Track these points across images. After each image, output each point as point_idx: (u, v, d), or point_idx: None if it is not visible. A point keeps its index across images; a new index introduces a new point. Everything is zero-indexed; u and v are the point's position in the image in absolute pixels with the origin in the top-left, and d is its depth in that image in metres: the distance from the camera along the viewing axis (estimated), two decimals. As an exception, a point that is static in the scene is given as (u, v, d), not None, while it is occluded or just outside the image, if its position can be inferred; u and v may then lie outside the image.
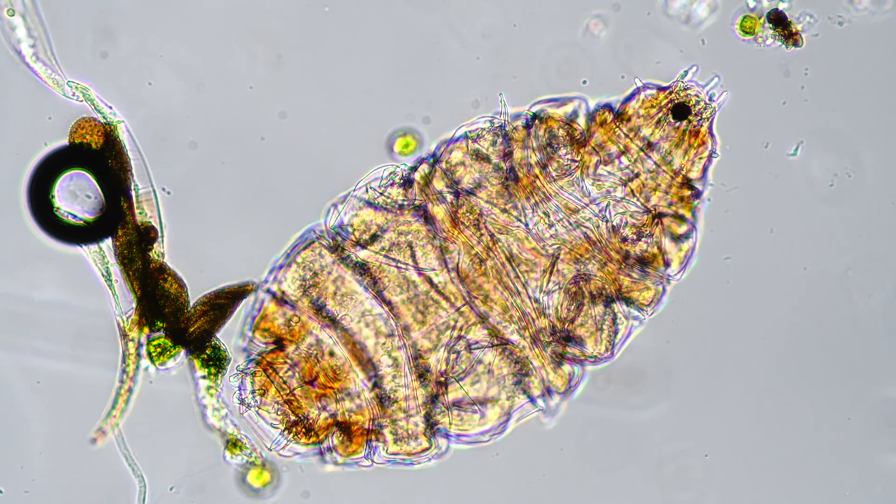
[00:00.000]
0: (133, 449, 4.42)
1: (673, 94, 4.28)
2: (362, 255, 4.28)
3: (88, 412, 4.44)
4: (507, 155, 4.29)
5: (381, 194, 4.32)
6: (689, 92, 4.29)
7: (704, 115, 4.29)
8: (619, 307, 4.29)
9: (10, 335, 4.47)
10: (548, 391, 4.31)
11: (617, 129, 4.27)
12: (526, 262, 4.26)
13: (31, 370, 4.49)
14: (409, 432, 4.30)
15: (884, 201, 4.53)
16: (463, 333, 4.27)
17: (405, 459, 4.33)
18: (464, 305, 4.26)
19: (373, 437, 4.30)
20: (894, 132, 4.52)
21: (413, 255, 4.28)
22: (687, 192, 4.29)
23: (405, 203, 4.31)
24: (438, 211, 4.28)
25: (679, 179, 4.27)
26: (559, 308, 4.26)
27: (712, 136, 4.32)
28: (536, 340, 4.27)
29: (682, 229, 4.29)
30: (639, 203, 4.25)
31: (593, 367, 4.35)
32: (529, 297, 4.26)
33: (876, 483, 4.55)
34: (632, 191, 4.25)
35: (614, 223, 4.26)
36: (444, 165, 4.30)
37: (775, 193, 4.50)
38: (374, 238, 4.29)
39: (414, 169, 4.34)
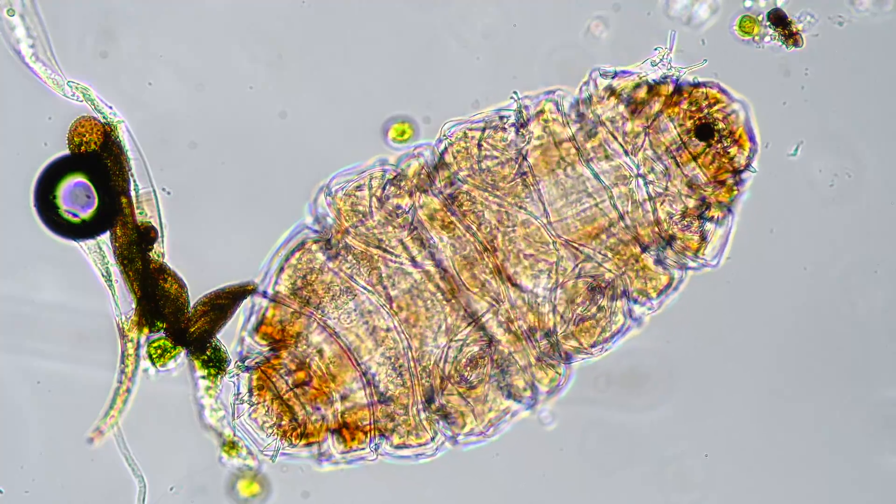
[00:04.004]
0: (133, 449, 4.42)
1: (703, 114, 4.26)
2: (354, 244, 4.28)
3: (88, 413, 4.44)
4: (522, 141, 4.27)
5: (374, 183, 4.32)
6: (719, 116, 4.26)
7: (727, 143, 4.25)
8: (622, 303, 4.27)
9: (10, 336, 4.47)
10: (533, 387, 4.30)
11: (675, 104, 4.24)
12: (525, 255, 4.25)
13: (32, 371, 4.49)
14: (410, 425, 4.30)
15: (884, 201, 4.53)
16: (458, 328, 4.26)
17: (410, 454, 4.33)
18: (456, 299, 4.25)
19: (373, 434, 4.30)
20: (894, 132, 4.53)
21: (405, 248, 4.28)
22: (730, 180, 4.27)
23: (399, 193, 4.30)
24: (434, 201, 4.28)
25: (724, 165, 4.25)
26: (563, 307, 4.26)
27: (752, 138, 4.29)
28: (524, 338, 4.26)
29: (718, 215, 4.28)
30: (679, 185, 4.23)
31: (586, 362, 4.35)
32: (526, 292, 4.25)
33: (876, 483, 4.56)
34: (671, 170, 4.23)
35: (649, 202, 4.23)
36: (449, 152, 4.29)
37: (775, 193, 4.51)
38: (361, 225, 4.28)
39: (411, 158, 4.34)
